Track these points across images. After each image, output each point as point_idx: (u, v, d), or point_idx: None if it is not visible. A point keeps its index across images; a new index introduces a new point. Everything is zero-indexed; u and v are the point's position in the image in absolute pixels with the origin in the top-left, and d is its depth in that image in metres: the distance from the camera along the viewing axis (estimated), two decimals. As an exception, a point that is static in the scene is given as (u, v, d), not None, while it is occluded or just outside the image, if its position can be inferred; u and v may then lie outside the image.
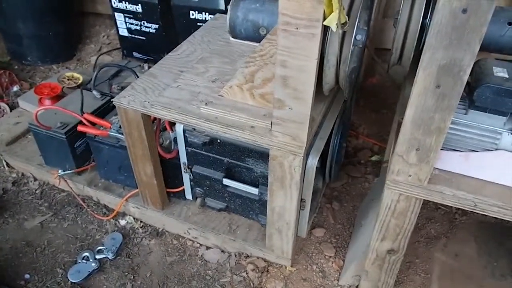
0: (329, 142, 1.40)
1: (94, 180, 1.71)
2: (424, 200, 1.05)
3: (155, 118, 1.40)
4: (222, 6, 2.06)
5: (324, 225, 1.61)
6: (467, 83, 1.02)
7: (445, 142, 1.02)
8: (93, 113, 1.63)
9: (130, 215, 1.64)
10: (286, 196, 1.23)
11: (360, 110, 2.16)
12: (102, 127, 1.54)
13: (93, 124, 1.56)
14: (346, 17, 0.88)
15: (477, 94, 0.95)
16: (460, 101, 1.01)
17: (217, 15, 1.80)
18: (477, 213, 1.01)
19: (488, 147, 1.00)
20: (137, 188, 1.54)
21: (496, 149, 0.99)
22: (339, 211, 1.67)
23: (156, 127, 1.40)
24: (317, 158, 1.26)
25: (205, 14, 2.10)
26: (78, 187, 1.70)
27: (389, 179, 1.05)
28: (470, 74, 1.03)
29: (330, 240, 1.55)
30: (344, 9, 0.88)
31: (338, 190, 1.76)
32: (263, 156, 1.28)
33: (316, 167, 1.29)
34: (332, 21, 0.83)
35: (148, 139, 1.33)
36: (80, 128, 1.53)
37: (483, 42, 1.17)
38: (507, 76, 0.95)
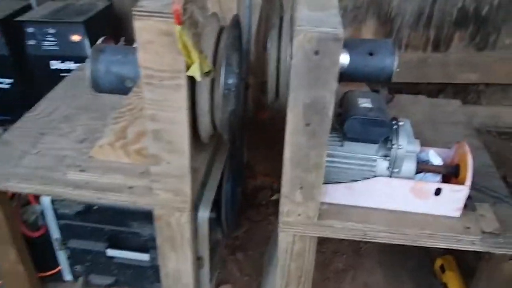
0: (221, 189, 1.47)
1: None
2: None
3: (14, 193, 1.33)
4: (88, 52, 2.07)
5: (230, 279, 1.65)
6: (339, 114, 1.18)
7: (328, 176, 1.15)
8: None
9: (-5, 313, 1.50)
10: (179, 257, 1.25)
11: (254, 148, 2.28)
12: None
13: None
14: (211, 65, 0.97)
15: (346, 127, 1.09)
16: (335, 134, 1.15)
17: (82, 64, 1.80)
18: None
19: (367, 175, 1.15)
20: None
21: (375, 176, 1.14)
22: (245, 261, 1.73)
23: (17, 203, 1.33)
24: (209, 210, 1.31)
25: (69, 63, 2.08)
26: None
27: (281, 222, 1.14)
28: (341, 106, 1.20)
29: (238, 295, 1.59)
30: (206, 57, 0.97)
31: (241, 238, 1.82)
32: (148, 216, 1.29)
33: (211, 219, 1.33)
34: (195, 71, 0.91)
35: (7, 220, 1.25)
36: None
37: (351, 73, 1.35)
38: (371, 106, 1.12)
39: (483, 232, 1.10)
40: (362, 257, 1.72)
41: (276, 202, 2.02)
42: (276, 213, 1.96)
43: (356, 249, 1.76)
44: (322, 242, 1.77)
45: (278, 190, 2.08)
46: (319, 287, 1.59)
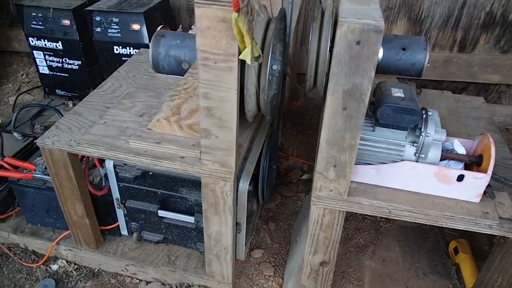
0: (259, 165, 1.47)
1: (20, 226, 1.62)
2: (348, 212, 1.15)
3: (83, 156, 1.38)
4: (146, 40, 2.10)
5: (262, 245, 1.66)
6: (372, 103, 1.16)
7: (359, 157, 1.13)
8: (15, 156, 1.56)
9: (62, 259, 1.57)
10: (221, 221, 1.27)
11: (288, 133, 2.28)
12: (26, 169, 1.48)
13: (16, 168, 1.49)
14: (260, 51, 0.96)
15: (379, 113, 1.07)
16: (367, 119, 1.13)
17: (141, 49, 1.83)
18: (397, 219, 1.12)
19: (395, 159, 1.13)
20: (68, 229, 1.49)
21: (402, 160, 1.12)
22: (275, 230, 1.74)
23: (85, 165, 1.38)
24: (248, 182, 1.32)
25: (129, 48, 2.12)
26: (2, 235, 1.60)
27: (313, 196, 1.13)
28: (374, 95, 1.17)
29: (268, 259, 1.61)
30: (256, 44, 0.96)
31: (273, 211, 1.83)
32: (195, 184, 1.32)
33: (249, 191, 1.35)
34: (247, 56, 0.91)
35: (77, 178, 1.30)
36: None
37: (384, 66, 1.33)
38: (403, 95, 1.09)
39: (501, 218, 1.07)
40: (382, 235, 1.70)
41: (305, 181, 2.03)
42: (304, 191, 1.97)
43: (377, 227, 1.74)
44: (346, 219, 1.75)
45: (307, 171, 2.08)
46: (341, 258, 1.59)
